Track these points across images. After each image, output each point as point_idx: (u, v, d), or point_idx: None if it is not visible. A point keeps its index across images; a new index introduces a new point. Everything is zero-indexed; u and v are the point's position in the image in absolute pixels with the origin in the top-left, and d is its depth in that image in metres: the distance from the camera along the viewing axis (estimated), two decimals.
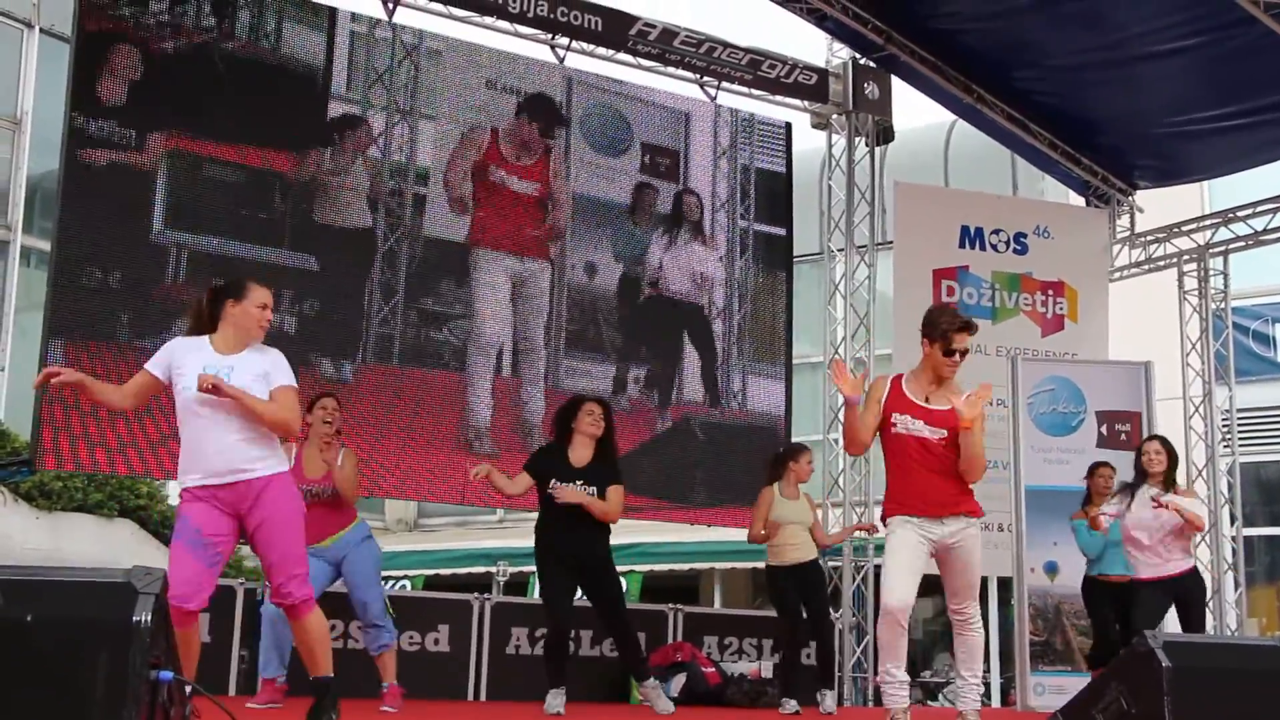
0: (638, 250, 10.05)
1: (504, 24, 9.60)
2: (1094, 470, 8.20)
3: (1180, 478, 7.51)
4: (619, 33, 9.93)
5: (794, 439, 9.97)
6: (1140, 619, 6.93)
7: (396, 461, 8.77)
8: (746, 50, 10.47)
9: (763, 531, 7.65)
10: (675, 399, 10.02)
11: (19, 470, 9.28)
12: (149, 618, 2.87)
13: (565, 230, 9.73)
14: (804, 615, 7.69)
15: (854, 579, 10.43)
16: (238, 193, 8.53)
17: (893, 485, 5.47)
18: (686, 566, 14.53)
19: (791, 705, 7.53)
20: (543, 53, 9.85)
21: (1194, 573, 7.29)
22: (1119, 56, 9.66)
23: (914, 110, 12.35)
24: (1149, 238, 11.42)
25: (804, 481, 7.84)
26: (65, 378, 4.58)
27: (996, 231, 11.00)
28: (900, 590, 5.32)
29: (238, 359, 4.64)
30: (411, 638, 7.88)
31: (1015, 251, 11.02)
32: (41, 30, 14.03)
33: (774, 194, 10.73)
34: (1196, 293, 11.15)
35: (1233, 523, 10.76)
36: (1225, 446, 10.97)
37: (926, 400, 5.43)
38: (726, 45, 10.37)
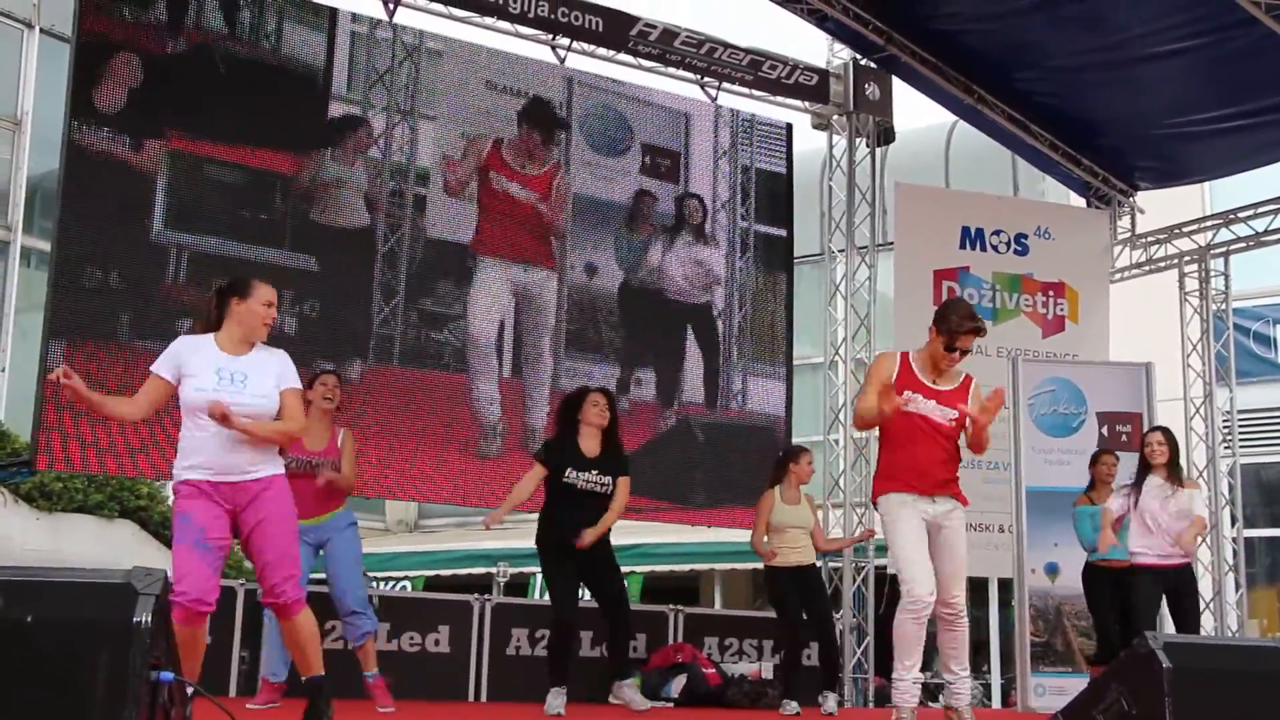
0: (638, 250, 10.05)
1: (504, 24, 9.60)
2: (1097, 458, 8.28)
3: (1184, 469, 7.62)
4: (619, 33, 9.93)
5: (794, 440, 9.97)
6: (1141, 605, 7.15)
7: (397, 462, 8.77)
8: (747, 51, 10.47)
9: (765, 539, 7.64)
10: (675, 400, 10.02)
11: (19, 471, 9.29)
12: (149, 619, 2.86)
13: (566, 234, 9.72)
14: (805, 617, 7.68)
15: (854, 580, 10.43)
16: (238, 193, 8.53)
17: (889, 460, 5.46)
18: (687, 567, 14.53)
19: (792, 706, 7.52)
20: (543, 53, 9.85)
21: (1189, 567, 7.45)
22: (1120, 58, 9.66)
23: (915, 111, 12.38)
24: (1150, 239, 11.41)
25: (805, 483, 7.83)
26: (77, 389, 4.55)
27: (997, 232, 11.00)
28: (925, 577, 5.30)
29: (249, 361, 4.65)
30: (412, 638, 7.88)
31: (1016, 252, 11.02)
32: (42, 30, 14.03)
33: (774, 195, 10.72)
34: (1197, 294, 11.15)
35: (1233, 524, 10.76)
36: (1226, 447, 10.97)
37: (934, 382, 5.48)
38: (727, 46, 10.37)
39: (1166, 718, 3.68)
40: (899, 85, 10.98)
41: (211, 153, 8.43)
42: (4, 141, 13.86)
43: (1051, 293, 11.05)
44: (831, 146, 11.27)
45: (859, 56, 10.86)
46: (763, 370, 10.47)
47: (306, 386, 5.98)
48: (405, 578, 15.91)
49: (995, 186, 14.57)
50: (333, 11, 9.07)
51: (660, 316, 10.09)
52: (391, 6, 9.18)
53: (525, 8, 9.48)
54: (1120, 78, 9.90)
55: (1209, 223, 11.28)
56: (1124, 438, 9.46)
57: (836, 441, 10.88)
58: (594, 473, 6.62)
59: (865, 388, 5.58)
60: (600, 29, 9.84)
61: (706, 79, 10.39)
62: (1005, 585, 11.70)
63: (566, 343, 9.63)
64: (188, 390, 4.56)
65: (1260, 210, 10.71)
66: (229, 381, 4.58)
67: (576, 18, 9.73)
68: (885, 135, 11.16)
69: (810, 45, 11.33)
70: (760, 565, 7.94)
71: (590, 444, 6.68)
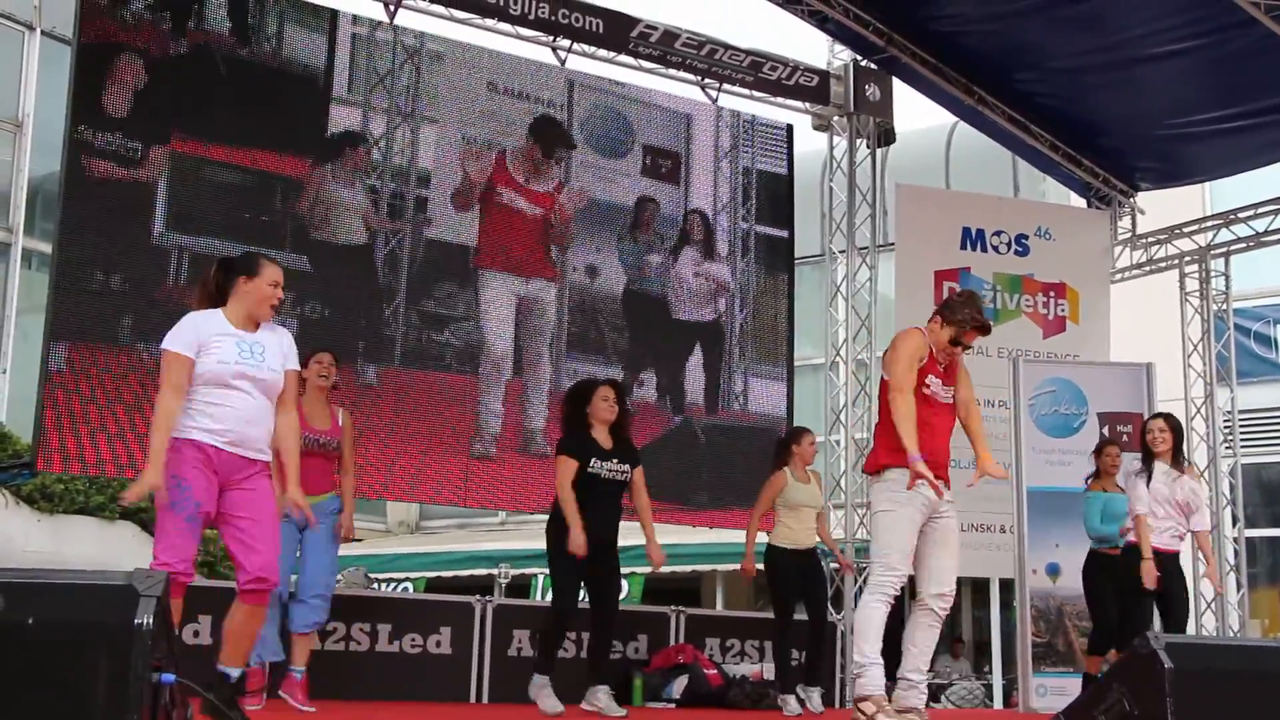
0: (639, 253, 10.05)
1: (505, 26, 9.60)
2: (1101, 449, 8.32)
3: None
4: (620, 35, 9.93)
5: None
6: (1139, 589, 7.28)
7: (398, 463, 8.77)
8: (748, 52, 10.47)
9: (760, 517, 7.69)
10: (677, 401, 10.02)
11: (20, 473, 9.30)
12: (151, 620, 2.86)
13: (568, 239, 9.72)
14: (803, 603, 7.70)
15: (856, 581, 10.42)
16: (239, 195, 8.53)
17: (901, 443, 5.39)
18: (689, 568, 14.52)
19: (792, 705, 7.53)
20: (544, 55, 9.85)
21: (1178, 554, 7.59)
22: (1120, 58, 9.66)
23: (915, 112, 12.37)
24: (1150, 239, 11.41)
25: (809, 463, 7.86)
26: (150, 482, 4.38)
27: (998, 233, 11.00)
28: (907, 566, 5.34)
29: (262, 339, 4.66)
30: (413, 640, 7.88)
31: (1016, 253, 11.02)
32: (43, 33, 14.05)
33: (775, 196, 10.73)
34: (1198, 294, 11.15)
35: (1234, 524, 10.76)
36: (1227, 448, 10.97)
37: (940, 364, 5.55)
38: (728, 47, 10.36)
39: (1168, 718, 3.68)
40: (899, 86, 10.98)
41: (212, 155, 8.43)
42: (5, 144, 13.88)
43: (1052, 293, 11.06)
44: (832, 147, 11.26)
45: (859, 58, 10.86)
46: (764, 371, 10.47)
47: (302, 366, 6.00)
48: (406, 579, 15.91)
49: (996, 187, 14.58)
50: (333, 13, 9.07)
51: (661, 318, 10.09)
52: (392, 8, 9.18)
53: (526, 9, 9.48)
54: (1120, 78, 9.90)
55: (1209, 223, 11.28)
56: (1125, 438, 9.45)
57: (838, 442, 10.87)
58: (614, 461, 6.60)
59: (899, 362, 5.43)
60: (601, 30, 9.84)
61: (707, 80, 10.38)
62: (1006, 586, 11.69)
63: (568, 345, 9.62)
64: (209, 362, 4.51)
65: (1260, 210, 10.71)
66: (249, 354, 4.58)
67: (577, 19, 9.73)
68: (886, 136, 11.15)
69: (811, 46, 11.34)
70: (760, 566, 7.94)
71: (602, 436, 6.66)
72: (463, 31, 9.60)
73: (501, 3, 9.38)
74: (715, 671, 8.47)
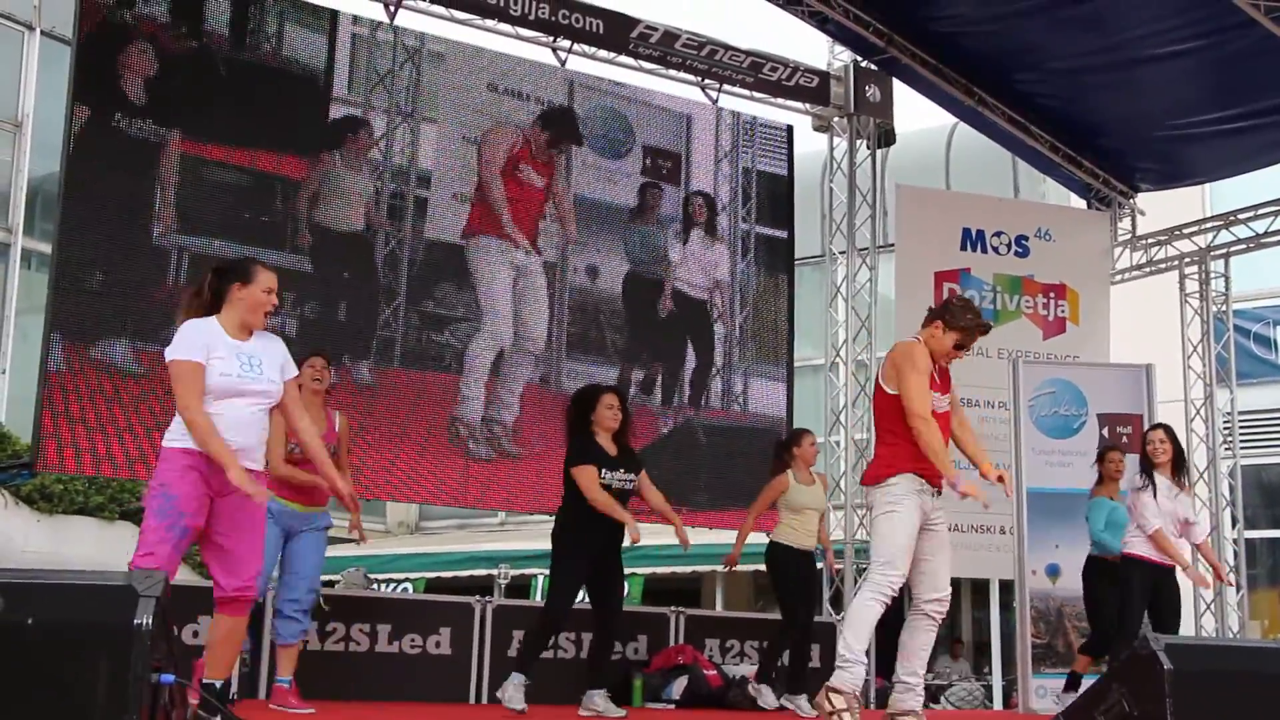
0: (639, 252, 10.05)
1: (505, 27, 9.60)
2: (1104, 455, 8.34)
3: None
4: (620, 35, 9.94)
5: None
6: (1136, 598, 7.34)
7: (398, 464, 8.76)
8: (748, 53, 10.47)
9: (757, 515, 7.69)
10: (677, 401, 10.02)
11: (20, 473, 9.30)
12: (150, 621, 2.86)
13: (567, 230, 9.73)
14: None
15: (856, 581, 10.41)
16: (239, 195, 8.53)
17: (905, 447, 5.39)
18: (688, 569, 14.51)
19: (768, 696, 7.52)
20: (544, 55, 9.85)
21: (1174, 569, 7.60)
22: (1120, 59, 9.66)
23: (915, 113, 12.38)
24: (1150, 240, 11.41)
25: (811, 464, 7.84)
26: (239, 477, 4.38)
27: (998, 234, 11.00)
28: (906, 569, 5.32)
29: (255, 346, 4.62)
30: (413, 640, 7.87)
31: (1017, 254, 11.02)
32: (42, 33, 14.05)
33: (775, 196, 10.73)
34: (1198, 295, 11.15)
35: (1234, 525, 10.76)
36: (1226, 449, 10.97)
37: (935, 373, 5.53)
38: (728, 48, 10.37)
39: (1168, 719, 3.68)
40: (899, 87, 10.99)
41: (213, 154, 8.43)
42: (5, 144, 13.88)
43: (1052, 294, 11.06)
44: (832, 148, 11.27)
45: (859, 59, 10.86)
46: (764, 372, 10.47)
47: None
48: (406, 580, 15.90)
49: (996, 188, 14.58)
50: (333, 14, 9.07)
51: (662, 318, 10.09)
52: (392, 9, 9.18)
53: (526, 10, 9.49)
54: (1120, 79, 9.90)
55: (1209, 224, 11.28)
56: (1125, 439, 9.45)
57: (837, 443, 10.87)
58: (621, 471, 6.58)
59: (912, 378, 5.38)
60: (601, 31, 9.84)
61: (707, 81, 10.39)
62: (1006, 587, 11.69)
63: (569, 345, 9.63)
64: (211, 374, 4.48)
65: (1260, 212, 10.71)
66: (249, 367, 4.56)
67: (577, 20, 9.73)
68: (886, 137, 11.16)
69: (811, 47, 11.36)
70: (762, 567, 7.94)
71: (607, 443, 6.64)
72: (463, 32, 9.61)
73: (502, 3, 9.38)
74: (715, 672, 8.46)
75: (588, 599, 6.76)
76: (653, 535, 12.30)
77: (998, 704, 13.18)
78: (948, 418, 5.56)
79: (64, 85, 8.16)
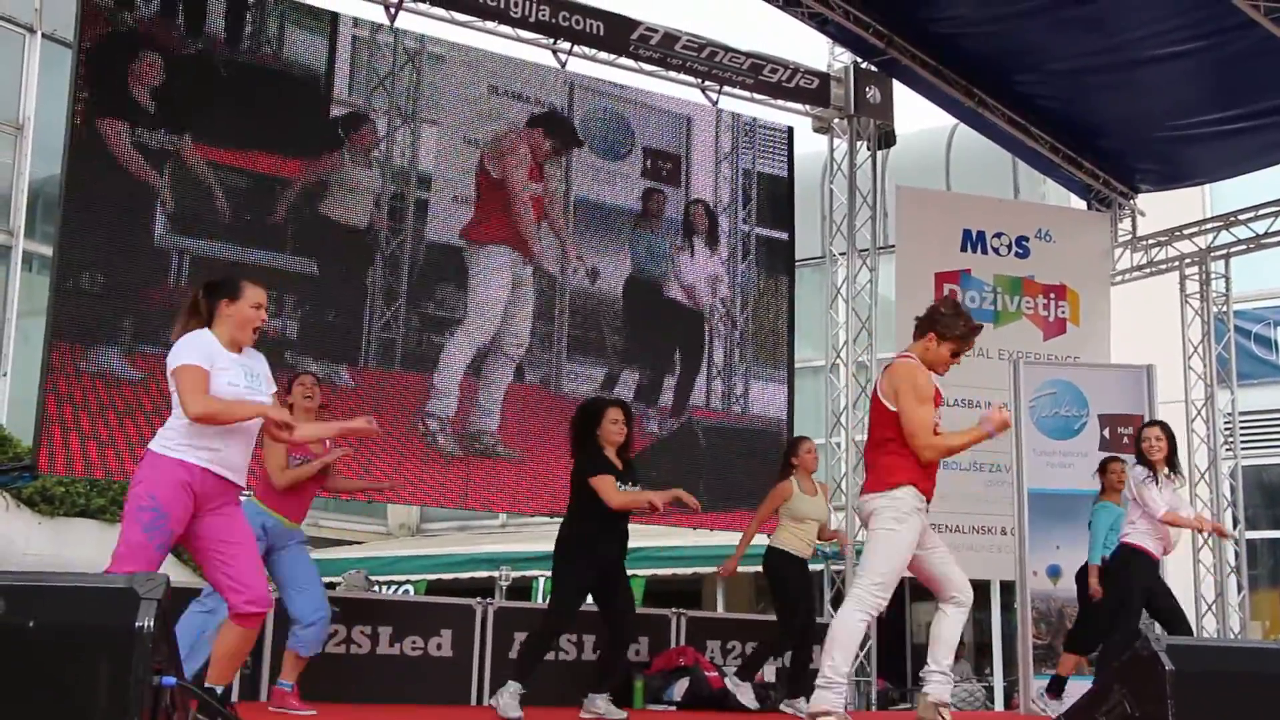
0: (640, 255, 10.05)
1: (505, 29, 9.60)
2: (1106, 466, 8.32)
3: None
4: (620, 37, 9.94)
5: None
6: (1137, 592, 7.30)
7: (398, 466, 8.76)
8: (748, 55, 10.48)
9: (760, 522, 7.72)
10: (678, 403, 10.02)
11: (21, 475, 9.29)
12: (151, 623, 2.86)
13: (567, 232, 9.73)
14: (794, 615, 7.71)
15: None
16: (240, 197, 8.53)
17: (909, 458, 5.34)
18: (689, 571, 14.50)
19: (748, 695, 7.52)
20: (544, 57, 9.86)
21: (1159, 562, 7.66)
22: (1120, 60, 9.66)
23: (915, 114, 12.38)
24: (1150, 241, 11.42)
25: (812, 471, 7.85)
26: (279, 416, 4.54)
27: (998, 235, 11.00)
28: (962, 578, 5.39)
29: (252, 365, 4.64)
30: (414, 643, 7.88)
31: (1017, 255, 11.02)
32: (44, 36, 14.07)
33: (776, 198, 10.73)
34: (1198, 296, 11.15)
35: (1235, 526, 10.75)
36: (1227, 449, 10.97)
37: None
38: (728, 50, 10.37)
39: None
40: (900, 88, 10.99)
41: (213, 156, 8.43)
42: (6, 146, 13.89)
43: (1053, 295, 11.06)
44: (832, 150, 11.27)
45: (860, 60, 10.86)
46: (764, 373, 10.47)
47: (285, 390, 5.98)
48: (407, 581, 15.88)
49: (996, 189, 14.58)
50: (334, 16, 9.08)
51: (662, 320, 10.09)
52: (393, 11, 9.19)
53: (526, 12, 9.49)
54: (1120, 80, 9.90)
55: (1209, 225, 11.28)
56: (1125, 440, 9.45)
57: (838, 444, 10.88)
58: (629, 484, 6.57)
59: (918, 412, 5.30)
60: (601, 33, 9.84)
61: (707, 83, 10.39)
62: (1007, 588, 11.69)
63: (569, 347, 9.63)
64: (218, 384, 4.47)
65: (1260, 212, 10.72)
66: (252, 377, 4.58)
67: (578, 22, 9.73)
68: (886, 138, 11.15)
69: (811, 49, 11.36)
70: (759, 568, 7.95)
71: (613, 457, 6.62)
72: (463, 34, 9.62)
73: (502, 5, 9.39)
74: (716, 674, 8.46)
75: (595, 605, 6.74)
76: (653, 537, 12.34)
77: (999, 705, 13.18)
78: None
79: (65, 88, 8.17)
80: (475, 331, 9.24)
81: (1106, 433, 9.66)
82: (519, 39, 9.74)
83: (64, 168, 7.97)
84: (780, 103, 10.83)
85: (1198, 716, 3.73)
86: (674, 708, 8.12)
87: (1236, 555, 10.68)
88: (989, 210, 11.39)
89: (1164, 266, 11.36)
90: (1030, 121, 10.92)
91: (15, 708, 2.82)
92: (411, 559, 16.39)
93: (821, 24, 10.52)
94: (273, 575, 6.08)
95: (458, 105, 9.42)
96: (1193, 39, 9.14)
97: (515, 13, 9.45)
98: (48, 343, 7.74)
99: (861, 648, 10.21)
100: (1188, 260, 11.21)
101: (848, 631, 5.32)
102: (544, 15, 9.57)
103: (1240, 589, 10.71)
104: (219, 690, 4.61)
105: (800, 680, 7.82)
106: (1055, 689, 8.24)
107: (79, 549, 10.71)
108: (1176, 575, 9.49)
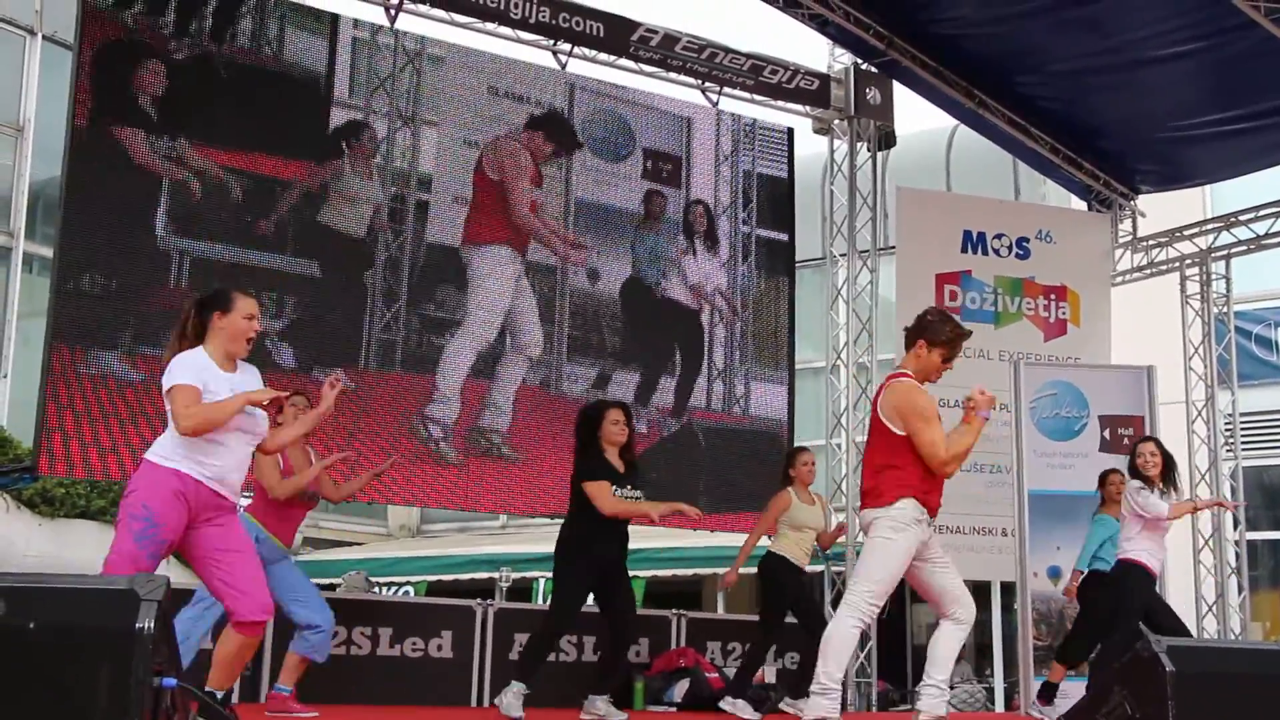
0: (640, 255, 10.05)
1: (506, 30, 9.60)
2: (1105, 478, 8.28)
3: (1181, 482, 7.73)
4: (621, 38, 9.94)
5: (796, 444, 9.96)
6: (1137, 605, 7.31)
7: (399, 467, 8.76)
8: (748, 56, 10.48)
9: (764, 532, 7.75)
10: (678, 404, 10.02)
11: (21, 477, 9.30)
12: (152, 625, 2.87)
13: (567, 233, 9.73)
14: (796, 618, 7.71)
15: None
16: (240, 199, 8.54)
17: (918, 474, 5.31)
18: (690, 572, 14.50)
19: (743, 708, 7.53)
20: (545, 59, 9.86)
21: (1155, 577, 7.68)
22: (1121, 61, 9.66)
23: (916, 115, 12.37)
24: (1151, 242, 11.42)
25: (809, 483, 7.86)
26: (257, 397, 4.50)
27: (999, 236, 11.00)
28: (963, 592, 5.37)
29: (242, 379, 4.62)
30: (414, 644, 7.88)
31: (1017, 256, 11.02)
32: (44, 37, 14.07)
33: (776, 199, 10.74)
34: (1199, 297, 11.15)
35: (1235, 527, 10.75)
36: (1228, 450, 10.96)
37: None
38: (728, 51, 10.37)
39: None
40: (900, 89, 10.99)
41: (214, 158, 8.44)
42: (6, 148, 13.89)
43: (1053, 296, 11.05)
44: (833, 151, 11.27)
45: (860, 61, 10.86)
46: (765, 375, 10.47)
47: (277, 411, 5.92)
48: (408, 583, 15.88)
49: (996, 190, 14.57)
50: (334, 17, 9.08)
51: (662, 321, 10.10)
52: (393, 12, 9.19)
53: (526, 13, 9.49)
54: (1121, 81, 9.90)
55: (1210, 226, 11.28)
56: (1126, 441, 9.44)
57: (839, 446, 10.87)
58: (629, 488, 6.56)
59: (929, 427, 5.28)
60: (601, 34, 9.84)
61: (708, 84, 10.39)
62: (1008, 589, 11.69)
63: (569, 348, 9.63)
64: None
65: (1261, 213, 10.72)
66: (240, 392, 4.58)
67: (578, 23, 9.73)
68: (886, 139, 11.15)
69: (811, 50, 11.36)
70: (754, 570, 7.96)
71: (614, 459, 6.62)
72: (464, 35, 9.63)
73: (502, 7, 9.39)
74: (716, 675, 8.47)
75: (597, 607, 6.74)
76: (654, 539, 12.34)
77: (999, 706, 13.17)
78: None
79: (65, 90, 8.18)
80: (476, 332, 9.25)
81: (1107, 434, 9.66)
82: (519, 40, 9.74)
83: (64, 169, 7.98)
84: (780, 104, 10.83)
85: (1198, 718, 3.73)
86: (674, 709, 8.12)
87: (1237, 556, 10.68)
88: (989, 211, 11.39)
89: (1164, 267, 11.36)
90: (1031, 122, 10.92)
91: (16, 709, 2.82)
92: (412, 560, 16.38)
93: (822, 25, 10.52)
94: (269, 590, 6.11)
95: (458, 107, 9.42)
96: (1193, 40, 9.14)
97: (515, 14, 9.45)
98: (48, 345, 7.74)
99: (862, 648, 10.23)
100: (1188, 261, 11.21)
101: (841, 638, 5.31)
102: (544, 16, 9.57)
103: (1241, 590, 10.71)
104: (219, 695, 4.62)
105: (809, 682, 7.83)
106: (1046, 695, 8.22)
107: (79, 550, 10.71)
108: (1176, 575, 9.50)
